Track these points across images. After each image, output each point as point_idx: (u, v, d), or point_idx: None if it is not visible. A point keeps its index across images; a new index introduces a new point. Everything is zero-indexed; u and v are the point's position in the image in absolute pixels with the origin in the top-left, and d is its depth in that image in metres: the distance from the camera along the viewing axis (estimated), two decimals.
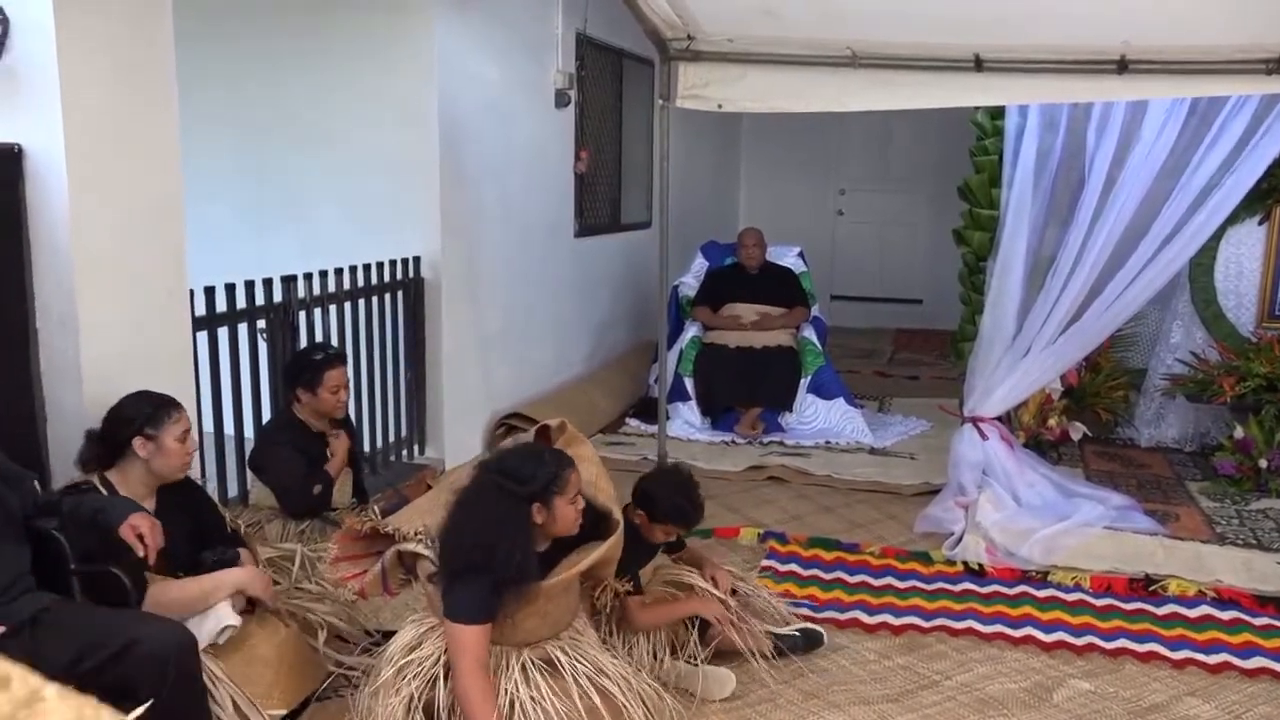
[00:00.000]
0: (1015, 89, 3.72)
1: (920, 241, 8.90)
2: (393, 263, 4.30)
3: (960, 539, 3.86)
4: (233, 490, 3.57)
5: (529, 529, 2.33)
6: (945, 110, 4.14)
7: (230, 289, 3.49)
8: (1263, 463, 4.41)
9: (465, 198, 4.65)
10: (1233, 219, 4.60)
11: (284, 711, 2.56)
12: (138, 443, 2.49)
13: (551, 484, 2.34)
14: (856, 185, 9.22)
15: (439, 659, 2.37)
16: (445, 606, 2.29)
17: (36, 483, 2.38)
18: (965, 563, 3.74)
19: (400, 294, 4.37)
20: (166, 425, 2.53)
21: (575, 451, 2.59)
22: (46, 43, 2.54)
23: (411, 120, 4.37)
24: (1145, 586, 3.53)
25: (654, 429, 5.04)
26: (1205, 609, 3.38)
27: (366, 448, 4.12)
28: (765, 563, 3.76)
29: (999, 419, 4.35)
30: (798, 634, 3.04)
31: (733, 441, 5.34)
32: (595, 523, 2.52)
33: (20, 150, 2.61)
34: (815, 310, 5.95)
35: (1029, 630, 3.24)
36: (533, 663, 2.38)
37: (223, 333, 3.48)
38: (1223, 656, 3.07)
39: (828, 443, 5.29)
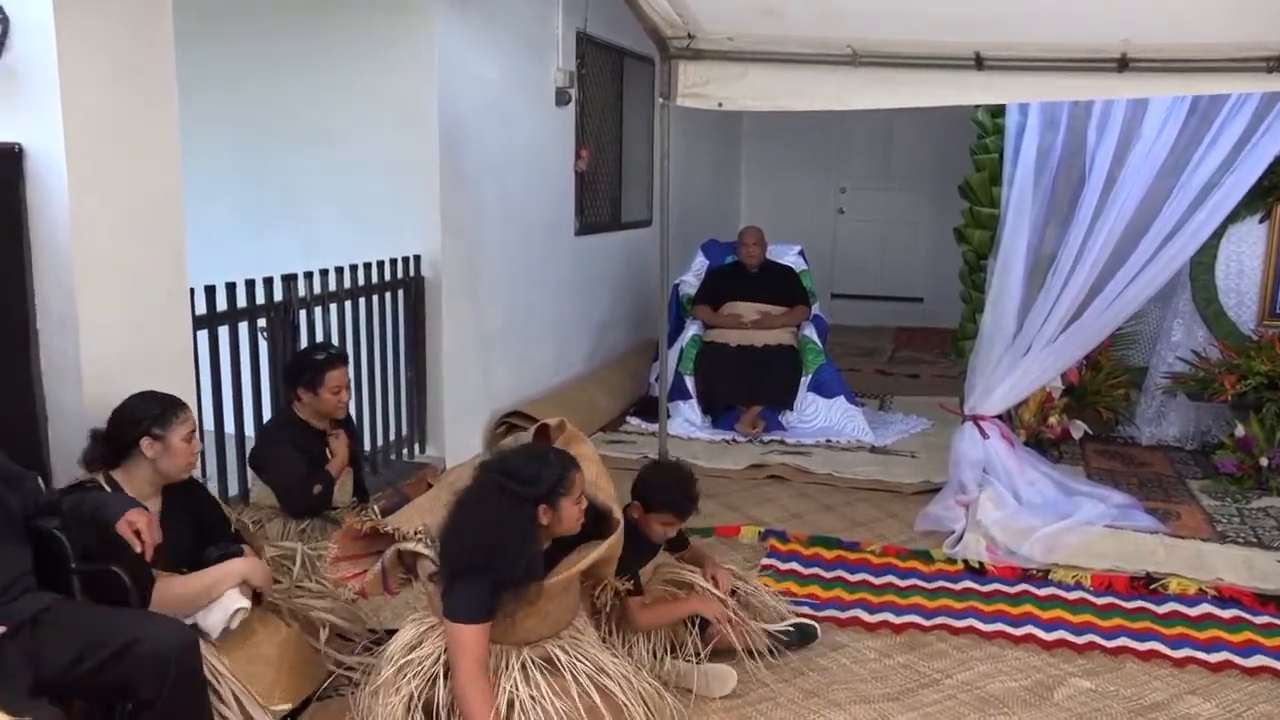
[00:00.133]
0: (1016, 87, 3.72)
1: (921, 240, 8.90)
2: (393, 262, 4.30)
3: (961, 537, 3.86)
4: (233, 489, 3.58)
5: (536, 531, 2.33)
6: (946, 108, 4.13)
7: (230, 288, 3.49)
8: (1263, 461, 4.41)
9: (465, 197, 4.65)
10: (1234, 217, 4.60)
11: (287, 708, 2.57)
12: (145, 443, 2.49)
13: (558, 485, 2.34)
14: (857, 183, 9.22)
15: (439, 658, 2.37)
16: (445, 606, 2.29)
17: (40, 480, 2.39)
18: (966, 561, 3.74)
19: (400, 293, 4.37)
20: (174, 425, 2.53)
21: (575, 450, 2.59)
22: (47, 42, 2.54)
23: (412, 119, 4.37)
24: (1146, 585, 3.53)
25: (655, 427, 5.04)
26: (1206, 607, 3.38)
27: (367, 446, 4.12)
28: (766, 561, 3.77)
29: (1000, 417, 4.35)
30: (791, 629, 3.05)
31: (733, 440, 5.34)
32: (595, 522, 2.51)
33: (20, 150, 2.61)
34: (816, 308, 5.95)
35: (1030, 629, 3.25)
36: (533, 662, 2.38)
37: (223, 332, 3.48)
38: (1223, 655, 3.07)
39: (828, 441, 5.30)
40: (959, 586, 3.56)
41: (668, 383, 5.01)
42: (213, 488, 3.29)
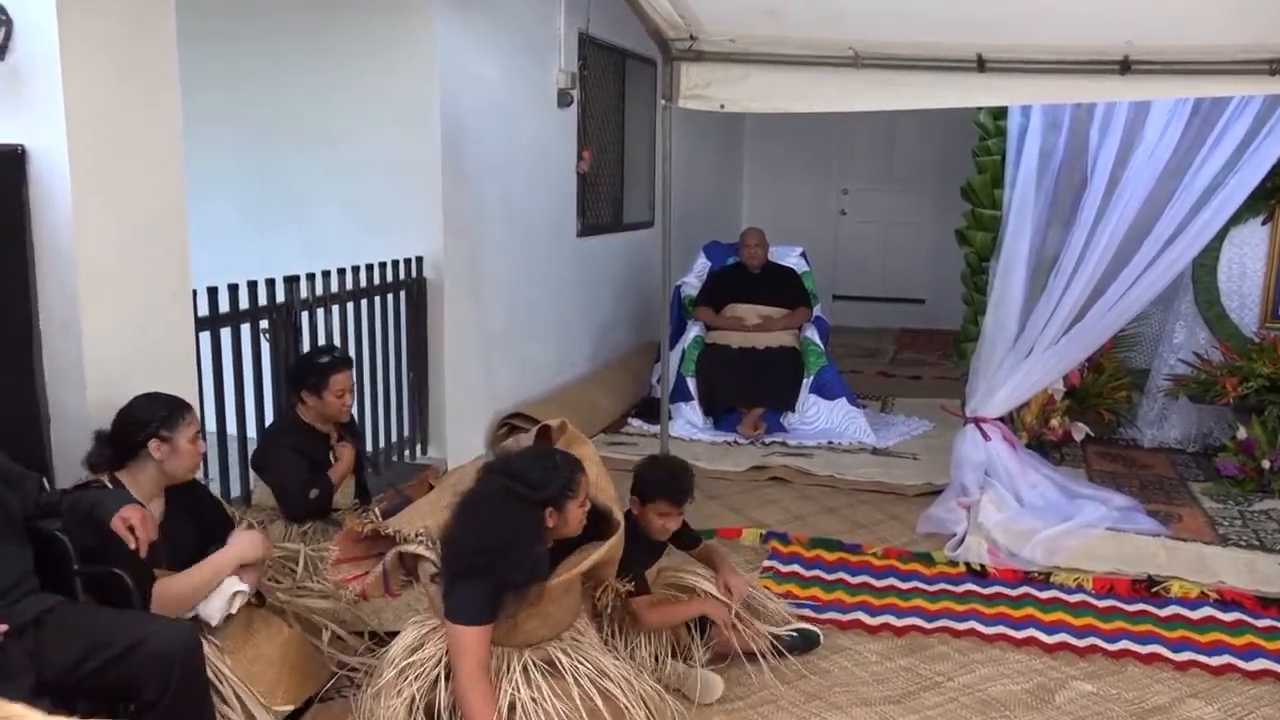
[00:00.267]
0: (1018, 89, 3.72)
1: (923, 241, 8.90)
2: (395, 263, 4.31)
3: (963, 540, 3.86)
4: (235, 490, 3.58)
5: (543, 533, 2.33)
6: (948, 110, 4.13)
7: (233, 289, 3.49)
8: (1265, 464, 4.40)
9: (467, 197, 4.65)
10: (1236, 219, 4.60)
11: (289, 708, 2.57)
12: (153, 445, 2.50)
13: (566, 489, 2.35)
14: (859, 185, 9.22)
15: (440, 660, 2.37)
16: (447, 607, 2.29)
17: (45, 481, 2.39)
18: (968, 564, 3.74)
19: (403, 294, 4.37)
20: (181, 427, 2.54)
21: (576, 451, 2.59)
22: (49, 44, 2.54)
23: (413, 120, 4.37)
24: (1148, 588, 3.53)
25: (656, 429, 5.04)
26: (1208, 610, 3.38)
27: (369, 448, 4.12)
28: (767, 563, 3.77)
29: (1002, 419, 4.35)
30: (795, 634, 3.04)
31: (735, 442, 5.34)
32: (596, 523, 2.52)
33: (23, 152, 2.61)
34: (818, 310, 5.95)
35: (1031, 631, 3.25)
36: (534, 664, 2.38)
37: (225, 333, 3.48)
38: (1225, 658, 3.07)
39: (830, 443, 5.29)
40: (961, 589, 3.56)
41: (669, 384, 5.01)
42: (215, 489, 3.29)
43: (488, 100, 4.75)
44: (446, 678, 2.34)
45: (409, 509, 3.62)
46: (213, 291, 3.39)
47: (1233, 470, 4.50)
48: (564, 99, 5.40)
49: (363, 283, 4.13)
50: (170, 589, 2.42)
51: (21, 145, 2.61)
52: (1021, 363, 4.22)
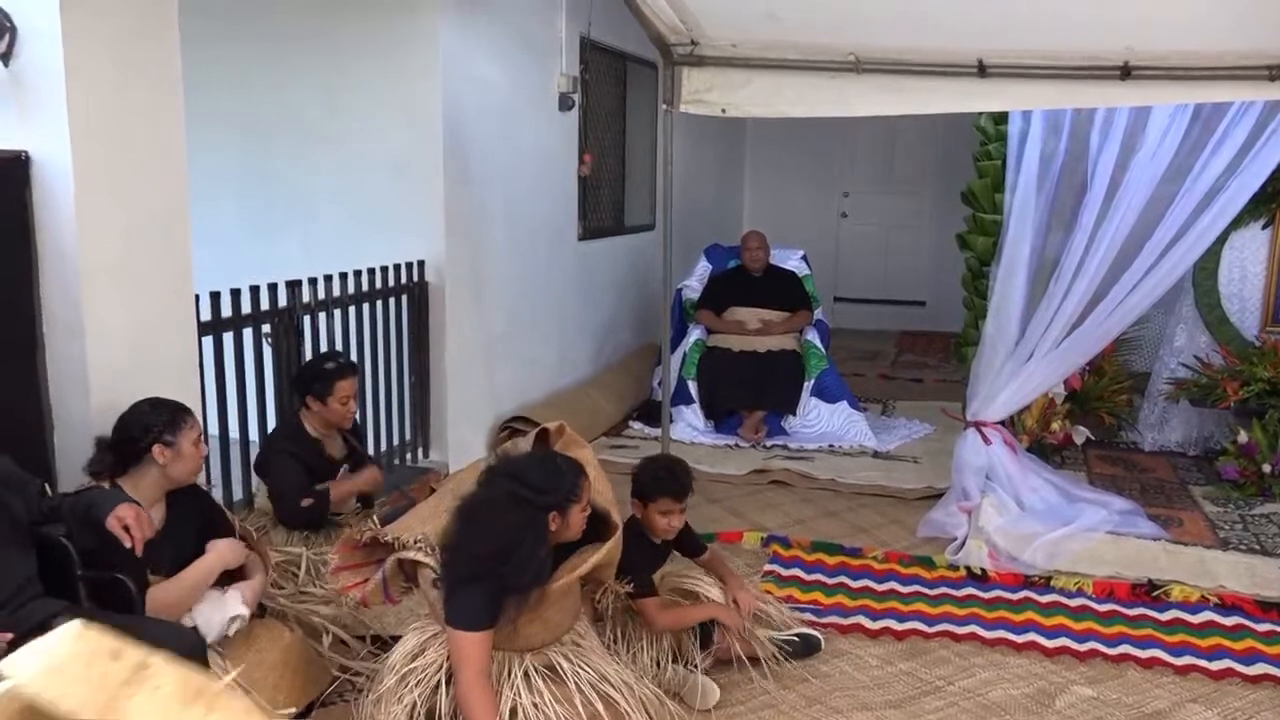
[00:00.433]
0: (1019, 94, 3.72)
1: (924, 243, 8.91)
2: (397, 266, 4.31)
3: (963, 544, 3.86)
4: (237, 494, 3.59)
5: (547, 538, 2.34)
6: (949, 115, 4.14)
7: (235, 294, 3.50)
8: (1266, 467, 4.41)
9: (469, 201, 4.66)
10: (1237, 223, 4.61)
11: (291, 712, 2.57)
12: (157, 450, 2.51)
13: (571, 493, 2.36)
14: (861, 188, 9.22)
15: (441, 666, 2.38)
16: (448, 612, 2.29)
17: (47, 486, 2.39)
18: (968, 567, 3.74)
19: (404, 298, 4.38)
20: (184, 431, 2.55)
21: (574, 454, 2.59)
22: (53, 50, 2.55)
23: (415, 123, 4.39)
24: (1148, 592, 3.53)
25: (657, 432, 5.04)
26: (1208, 615, 3.38)
27: (371, 452, 4.13)
28: (768, 567, 3.77)
29: (1002, 423, 4.35)
30: (796, 638, 3.05)
31: (736, 445, 5.34)
32: (594, 525, 2.52)
33: (27, 157, 2.62)
34: (819, 313, 5.95)
35: (1032, 635, 3.25)
36: (535, 669, 2.38)
37: (228, 337, 3.49)
38: (1226, 663, 3.07)
39: (831, 446, 5.30)
40: (961, 593, 3.57)
41: (670, 387, 5.02)
42: (217, 494, 3.30)
43: (490, 104, 4.76)
44: (448, 683, 2.35)
45: (408, 515, 3.62)
46: (215, 296, 3.39)
47: (1233, 474, 4.50)
48: (565, 102, 5.41)
49: (364, 287, 4.14)
50: (158, 599, 2.42)
51: (25, 151, 2.62)
52: (1022, 367, 4.22)
